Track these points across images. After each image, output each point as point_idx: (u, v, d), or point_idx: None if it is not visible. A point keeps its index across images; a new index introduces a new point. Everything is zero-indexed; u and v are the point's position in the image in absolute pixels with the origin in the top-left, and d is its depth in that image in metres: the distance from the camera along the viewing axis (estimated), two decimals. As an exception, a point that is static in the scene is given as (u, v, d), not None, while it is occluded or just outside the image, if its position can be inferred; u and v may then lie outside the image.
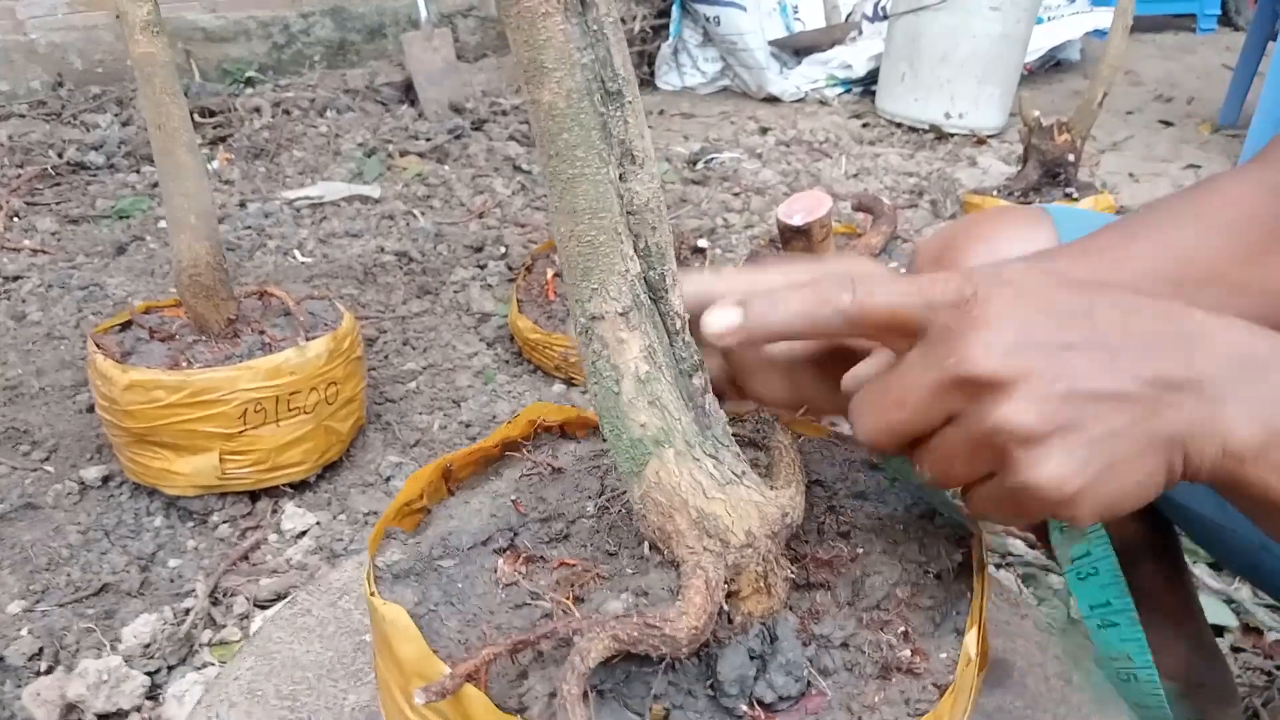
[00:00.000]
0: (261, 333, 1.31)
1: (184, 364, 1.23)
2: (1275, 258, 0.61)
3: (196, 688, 1.02)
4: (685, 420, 0.36)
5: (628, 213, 0.34)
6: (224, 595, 1.17)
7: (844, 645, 0.39)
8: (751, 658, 0.37)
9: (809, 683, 0.37)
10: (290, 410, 1.26)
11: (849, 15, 2.97)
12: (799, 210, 1.52)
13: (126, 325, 1.34)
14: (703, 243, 1.65)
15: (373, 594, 0.41)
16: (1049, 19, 2.96)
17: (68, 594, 1.17)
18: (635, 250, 0.34)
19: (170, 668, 1.08)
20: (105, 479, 1.34)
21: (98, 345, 1.26)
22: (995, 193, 1.92)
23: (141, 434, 1.23)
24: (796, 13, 3.00)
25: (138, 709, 1.03)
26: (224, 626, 1.13)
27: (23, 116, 2.49)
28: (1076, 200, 1.84)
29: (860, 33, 2.93)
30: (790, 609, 0.40)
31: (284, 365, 1.23)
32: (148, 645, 1.10)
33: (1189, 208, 0.63)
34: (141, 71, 1.18)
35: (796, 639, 0.38)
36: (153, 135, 1.21)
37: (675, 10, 2.77)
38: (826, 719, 0.36)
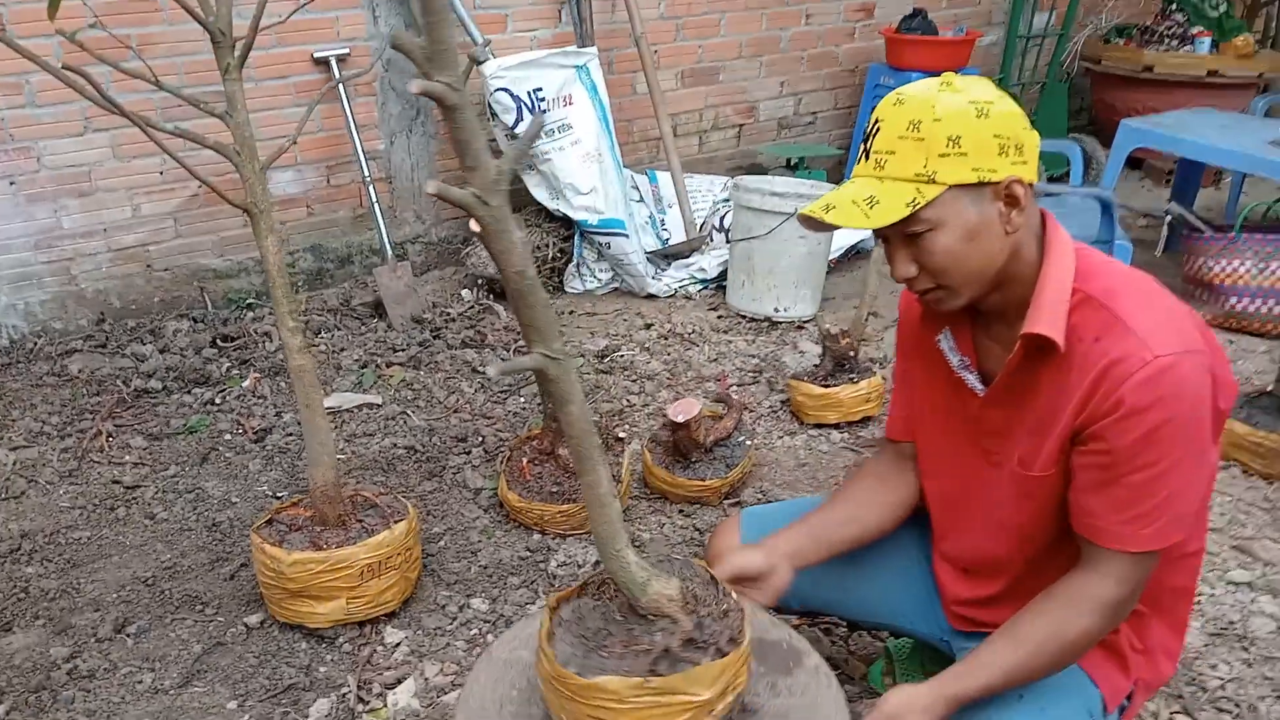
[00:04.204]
0: (360, 521, 2.12)
1: (322, 546, 2.03)
2: (893, 481, 1.60)
3: (370, 733, 1.80)
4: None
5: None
6: (363, 684, 1.95)
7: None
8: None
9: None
10: (387, 569, 2.06)
11: (701, 226, 3.99)
12: (680, 411, 2.44)
13: (269, 522, 2.12)
14: (621, 433, 2.55)
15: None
16: (846, 223, 4.04)
17: (264, 694, 1.92)
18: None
19: (343, 728, 1.85)
20: (261, 622, 2.10)
21: (259, 537, 2.05)
22: (806, 378, 2.90)
23: (296, 591, 2.01)
24: (664, 225, 4.01)
25: (332, 752, 1.80)
26: (369, 702, 1.91)
27: (80, 351, 3.22)
28: (856, 383, 2.83)
29: (711, 240, 3.95)
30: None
31: (384, 541, 2.04)
32: (326, 716, 1.87)
33: (855, 484, 1.65)
34: (297, 376, 2.00)
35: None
36: (302, 410, 2.03)
37: (577, 238, 3.73)
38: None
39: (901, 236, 1.29)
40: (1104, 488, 1.31)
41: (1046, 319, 1.30)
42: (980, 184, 1.24)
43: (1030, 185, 1.29)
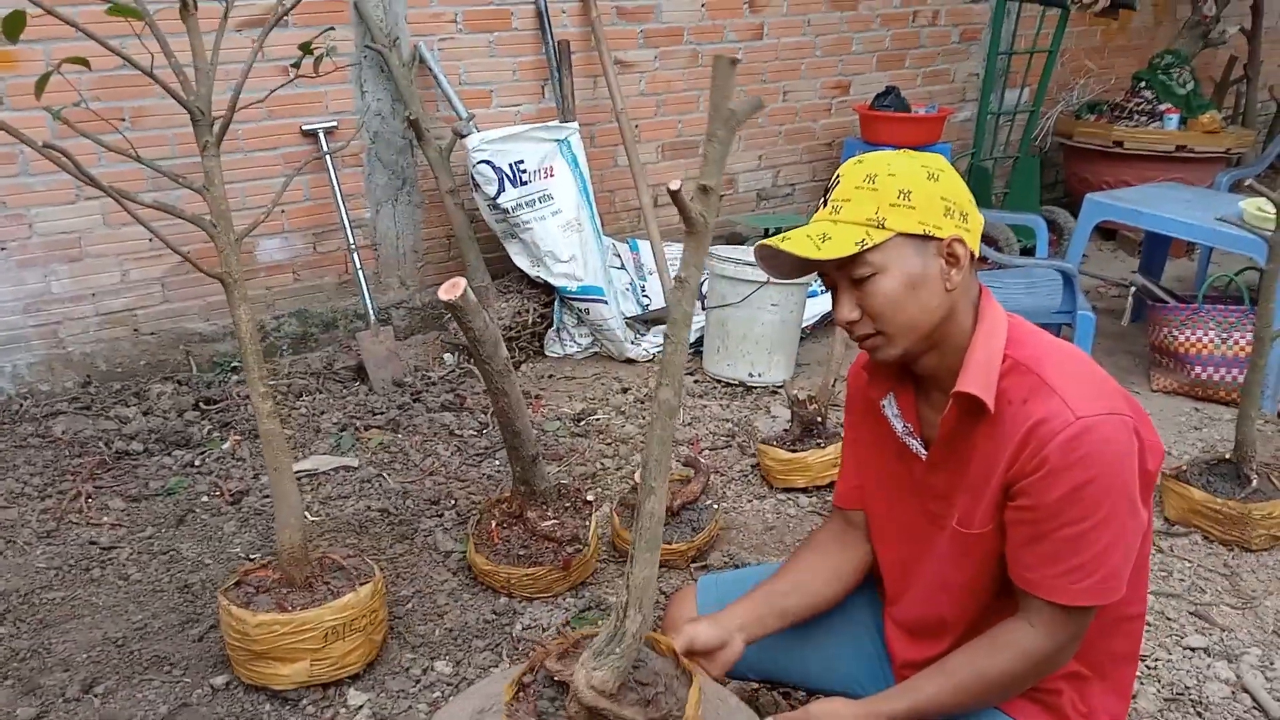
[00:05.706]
0: (326, 584, 2.15)
1: (288, 608, 2.06)
2: (837, 549, 1.65)
3: (328, 795, 1.81)
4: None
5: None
6: (324, 746, 1.97)
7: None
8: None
9: None
10: (352, 631, 2.09)
11: (681, 293, 4.07)
12: (648, 476, 2.48)
13: (237, 584, 2.15)
14: (590, 496, 2.59)
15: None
16: (821, 292, 4.14)
17: (226, 755, 1.94)
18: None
19: (302, 790, 1.86)
20: (227, 683, 2.11)
21: (227, 599, 2.08)
22: (774, 442, 2.95)
23: (261, 652, 2.03)
24: (644, 292, 4.10)
25: (289, 814, 1.81)
26: (329, 763, 1.92)
27: (65, 413, 3.27)
28: (823, 448, 2.88)
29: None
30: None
31: (349, 604, 2.07)
32: (286, 778, 1.88)
33: (801, 554, 1.70)
34: (266, 440, 2.05)
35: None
36: (271, 475, 2.07)
37: (557, 304, 3.81)
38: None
39: (848, 280, 1.39)
40: (1034, 542, 1.38)
41: (975, 380, 1.39)
42: (925, 237, 1.36)
43: (972, 251, 1.39)
